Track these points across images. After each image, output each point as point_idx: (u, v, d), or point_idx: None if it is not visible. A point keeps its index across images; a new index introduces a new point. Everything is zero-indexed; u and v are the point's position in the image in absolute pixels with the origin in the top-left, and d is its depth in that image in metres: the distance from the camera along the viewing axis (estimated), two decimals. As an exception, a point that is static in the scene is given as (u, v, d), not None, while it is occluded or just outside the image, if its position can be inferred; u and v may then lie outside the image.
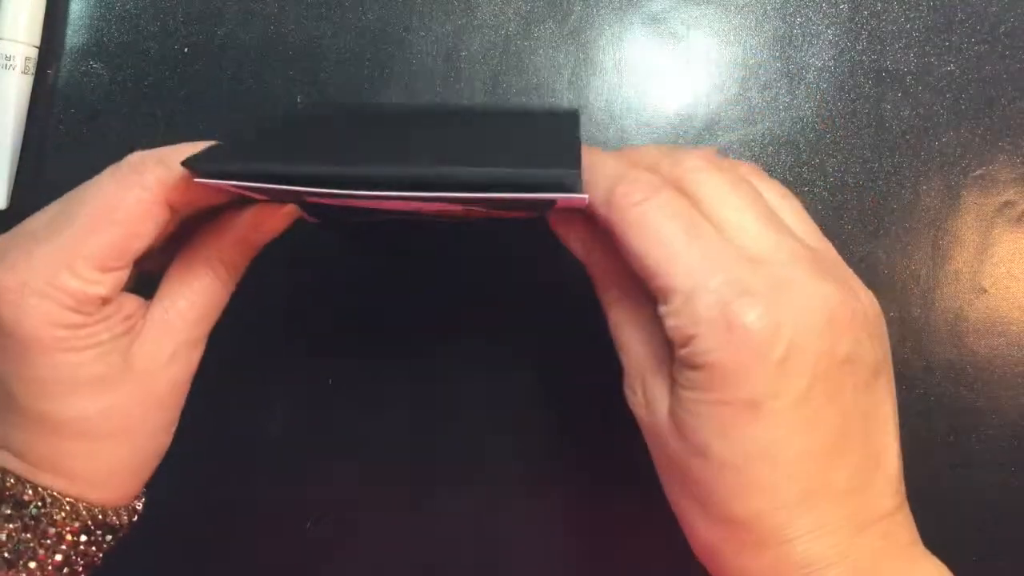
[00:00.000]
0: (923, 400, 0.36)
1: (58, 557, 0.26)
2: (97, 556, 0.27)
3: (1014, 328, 0.36)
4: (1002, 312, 0.36)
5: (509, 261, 0.37)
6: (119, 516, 0.28)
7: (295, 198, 0.27)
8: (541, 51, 0.36)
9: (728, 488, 0.23)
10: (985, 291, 0.36)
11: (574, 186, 0.22)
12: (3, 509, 0.25)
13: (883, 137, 0.36)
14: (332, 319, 0.37)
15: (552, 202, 0.23)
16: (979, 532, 0.36)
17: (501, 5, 0.36)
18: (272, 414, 0.37)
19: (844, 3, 0.36)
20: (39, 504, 0.26)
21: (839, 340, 0.23)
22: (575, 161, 0.23)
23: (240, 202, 0.28)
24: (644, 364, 0.25)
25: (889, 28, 0.36)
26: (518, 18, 0.36)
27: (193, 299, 0.27)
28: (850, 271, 0.25)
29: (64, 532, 0.26)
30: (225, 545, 0.37)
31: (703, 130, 0.36)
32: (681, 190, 0.24)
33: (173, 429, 0.29)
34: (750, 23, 0.36)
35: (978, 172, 0.36)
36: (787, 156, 0.36)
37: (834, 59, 0.36)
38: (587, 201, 0.23)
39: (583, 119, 0.36)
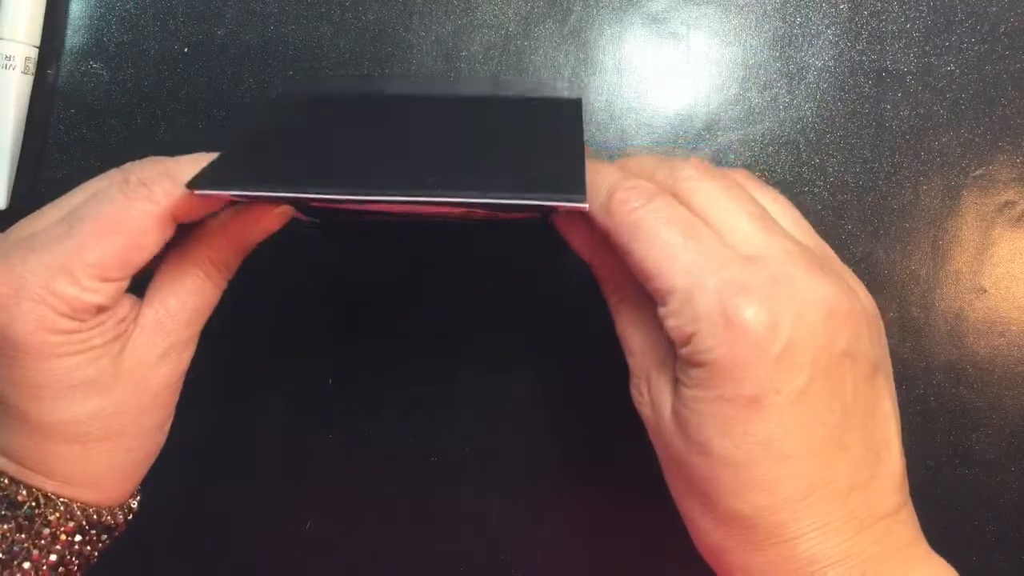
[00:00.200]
0: (923, 400, 0.36)
1: (53, 557, 0.26)
2: (92, 555, 0.27)
3: (1014, 328, 0.36)
4: (1002, 312, 0.36)
5: (510, 261, 0.37)
6: (114, 516, 0.28)
7: (295, 203, 0.27)
8: (541, 51, 0.36)
9: (730, 485, 0.23)
10: (985, 291, 0.36)
11: (578, 198, 0.22)
12: None
13: (883, 137, 0.36)
14: (333, 319, 0.37)
15: (554, 208, 0.24)
16: (979, 531, 0.36)
17: (501, 5, 0.36)
18: (272, 414, 0.37)
19: (844, 3, 0.36)
20: (33, 504, 0.25)
21: (838, 335, 0.23)
22: (579, 172, 0.23)
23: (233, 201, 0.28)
24: (648, 365, 0.26)
25: (889, 28, 0.36)
26: (518, 18, 0.36)
27: (184, 299, 0.27)
28: (847, 269, 0.26)
29: (58, 532, 0.26)
30: (224, 545, 0.37)
31: (703, 130, 0.36)
32: (676, 197, 0.25)
33: (167, 428, 0.29)
34: (750, 23, 0.36)
35: (978, 172, 0.36)
36: (787, 156, 0.36)
37: (834, 59, 0.36)
38: (588, 208, 0.23)
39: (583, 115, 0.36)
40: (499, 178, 0.24)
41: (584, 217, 0.27)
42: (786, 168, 0.36)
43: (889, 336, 0.26)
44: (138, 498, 0.29)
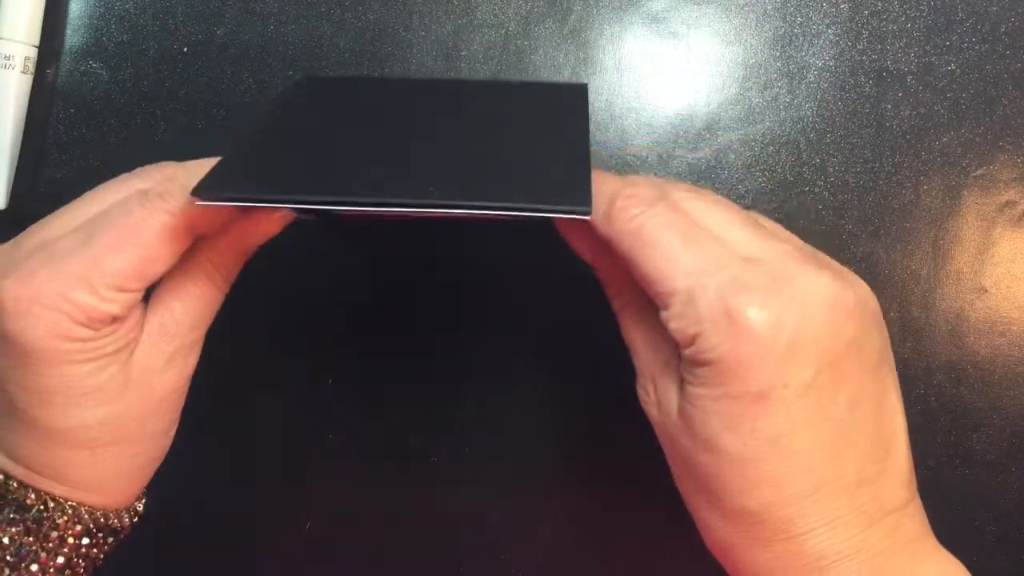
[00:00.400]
0: (924, 400, 0.36)
1: (60, 560, 0.26)
2: (98, 558, 0.27)
3: (1015, 328, 0.36)
4: (1003, 312, 0.36)
5: (511, 261, 0.37)
6: (120, 518, 0.28)
7: (296, 208, 0.27)
8: (541, 51, 0.36)
9: (738, 482, 0.23)
10: (986, 291, 0.36)
11: (584, 210, 0.22)
12: (5, 513, 0.25)
13: (884, 137, 0.36)
14: (332, 319, 0.37)
15: (555, 217, 0.24)
16: (980, 532, 0.36)
17: (501, 5, 0.36)
18: (272, 414, 0.37)
19: (844, 3, 0.36)
20: (41, 508, 0.26)
21: (843, 327, 0.23)
22: (585, 179, 0.24)
23: None
24: (654, 365, 0.26)
25: (890, 28, 0.36)
26: (518, 18, 0.36)
27: (188, 304, 0.27)
28: (843, 267, 0.26)
29: (66, 535, 0.26)
30: (225, 545, 0.37)
31: (703, 130, 0.36)
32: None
33: (173, 432, 0.29)
34: (750, 23, 0.36)
35: (979, 172, 0.36)
36: (787, 156, 0.36)
37: (835, 59, 0.36)
38: (590, 217, 0.23)
39: None
40: (504, 185, 0.24)
41: (586, 221, 0.27)
42: (787, 168, 0.36)
43: (890, 336, 0.26)
44: (143, 501, 0.29)
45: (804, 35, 0.36)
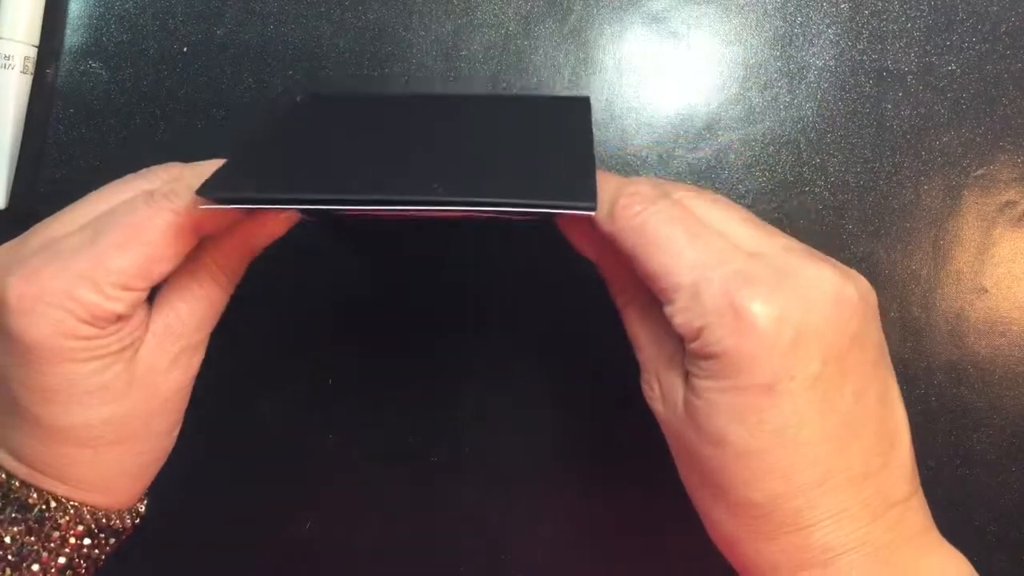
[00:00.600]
0: (924, 400, 0.36)
1: (61, 560, 0.26)
2: (100, 558, 0.27)
3: (1015, 328, 0.36)
4: (1003, 312, 0.36)
5: (512, 260, 0.37)
6: (122, 519, 0.28)
7: (300, 208, 0.27)
8: (541, 51, 0.36)
9: (745, 474, 0.23)
10: (986, 291, 0.36)
11: (588, 205, 0.22)
12: (7, 512, 0.25)
13: (884, 137, 0.36)
14: (332, 320, 0.37)
15: (560, 214, 0.24)
16: (980, 532, 0.36)
17: (501, 5, 0.36)
18: (272, 414, 0.37)
19: (845, 2, 0.36)
20: (43, 508, 0.26)
21: (847, 320, 0.23)
22: (589, 176, 0.24)
23: None
24: (658, 360, 0.26)
25: (890, 27, 0.36)
26: (518, 18, 0.36)
27: (194, 304, 0.27)
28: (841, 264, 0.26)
29: (68, 535, 0.26)
30: (225, 545, 0.37)
31: (703, 129, 0.36)
32: None
33: (176, 432, 0.29)
34: (750, 23, 0.36)
35: (979, 172, 0.36)
36: (788, 156, 0.36)
37: (835, 58, 0.36)
38: (594, 214, 0.23)
39: None
40: (507, 182, 0.24)
41: (588, 219, 0.27)
42: (787, 168, 0.36)
43: (890, 336, 0.26)
44: (145, 502, 0.29)
45: (804, 35, 0.36)
